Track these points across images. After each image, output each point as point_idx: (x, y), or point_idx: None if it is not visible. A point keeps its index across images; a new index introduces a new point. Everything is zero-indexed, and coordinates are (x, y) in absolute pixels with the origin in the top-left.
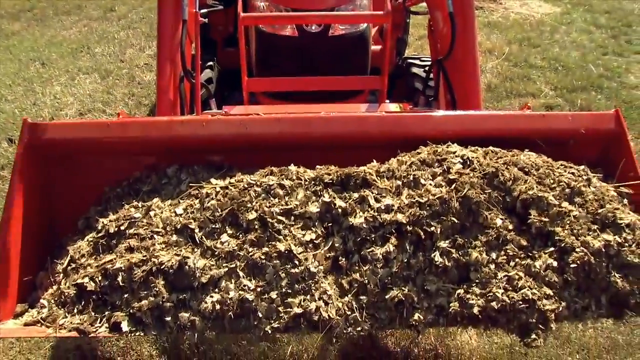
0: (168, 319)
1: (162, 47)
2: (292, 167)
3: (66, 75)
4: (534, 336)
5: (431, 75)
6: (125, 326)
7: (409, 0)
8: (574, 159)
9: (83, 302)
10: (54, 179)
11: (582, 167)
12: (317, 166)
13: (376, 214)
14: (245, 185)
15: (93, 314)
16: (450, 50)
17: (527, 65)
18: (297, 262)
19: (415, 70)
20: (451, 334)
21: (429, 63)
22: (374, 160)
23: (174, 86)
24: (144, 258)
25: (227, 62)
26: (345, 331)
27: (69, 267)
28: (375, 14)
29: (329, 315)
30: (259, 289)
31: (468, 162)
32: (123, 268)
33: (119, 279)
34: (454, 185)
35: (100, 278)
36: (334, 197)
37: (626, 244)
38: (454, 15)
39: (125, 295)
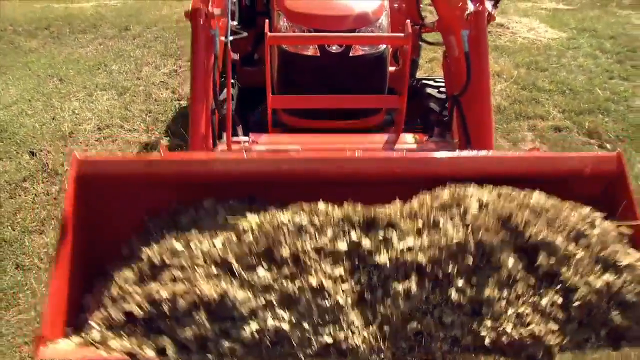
0: (210, 346)
1: (196, 81)
2: (322, 205)
3: (84, 91)
4: None
5: (445, 109)
6: (170, 352)
7: (424, 29)
8: (579, 196)
9: (130, 327)
10: (98, 208)
11: (588, 208)
12: (345, 203)
13: (399, 254)
14: (279, 223)
15: (141, 339)
16: (465, 88)
17: (535, 88)
18: (327, 295)
19: (429, 90)
20: None
21: (442, 84)
22: (397, 197)
23: (206, 118)
24: (187, 289)
25: (245, 80)
26: (369, 358)
27: (115, 293)
28: (397, 36)
29: (355, 344)
30: (293, 320)
31: (483, 205)
32: (167, 297)
33: (164, 307)
34: (470, 228)
35: (147, 306)
36: (361, 236)
37: (625, 284)
38: (469, 55)
39: (170, 323)
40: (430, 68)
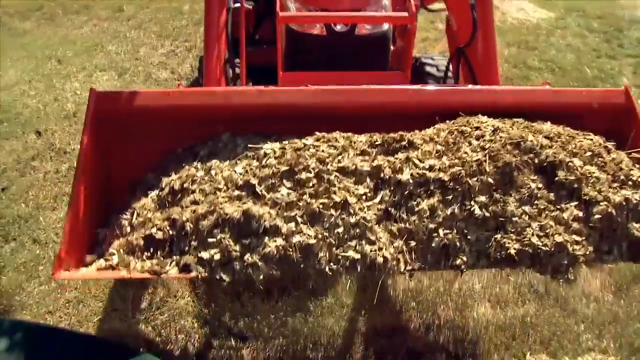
0: (235, 263)
1: (209, 31)
2: (338, 134)
3: (83, 72)
4: (566, 276)
5: (448, 71)
6: (194, 269)
7: (426, 0)
8: (590, 130)
9: (152, 250)
10: (115, 143)
11: (598, 136)
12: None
13: (421, 171)
14: (302, 146)
15: (162, 259)
16: (472, 38)
17: (526, 66)
18: (352, 211)
19: (428, 69)
20: (469, 306)
21: (441, 62)
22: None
23: (220, 66)
24: (210, 210)
25: (248, 61)
26: (398, 270)
27: (135, 221)
28: (402, 15)
29: (383, 257)
30: (319, 235)
31: (498, 130)
32: (190, 219)
33: (187, 228)
34: (487, 149)
35: (168, 228)
36: (383, 157)
37: None
38: (474, 6)
39: (193, 243)
40: (424, 47)
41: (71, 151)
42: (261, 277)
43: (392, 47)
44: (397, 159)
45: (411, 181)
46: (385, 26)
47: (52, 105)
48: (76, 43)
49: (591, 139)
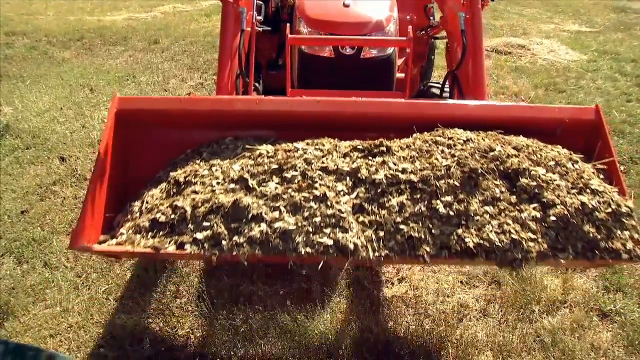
0: (223, 242)
1: (223, 49)
2: (326, 139)
3: None
4: (520, 269)
5: (444, 91)
6: (188, 247)
7: (432, 30)
8: (559, 145)
9: (155, 231)
10: (132, 143)
11: (566, 150)
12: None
13: (394, 172)
14: (292, 148)
15: (163, 238)
16: (461, 61)
17: None
18: (329, 204)
19: (434, 90)
20: (470, 354)
21: (446, 87)
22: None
23: (231, 82)
24: (206, 199)
25: (270, 83)
26: (366, 256)
27: (144, 207)
28: (400, 39)
29: (354, 244)
30: (298, 223)
31: (469, 140)
32: (189, 205)
33: (186, 213)
34: (457, 156)
35: (170, 213)
36: (362, 159)
37: (598, 204)
38: (465, 32)
39: (190, 226)
40: (438, 75)
41: None
42: (245, 256)
43: (401, 75)
44: (374, 161)
45: (384, 181)
46: (390, 50)
47: (79, 132)
48: (110, 73)
49: (557, 151)
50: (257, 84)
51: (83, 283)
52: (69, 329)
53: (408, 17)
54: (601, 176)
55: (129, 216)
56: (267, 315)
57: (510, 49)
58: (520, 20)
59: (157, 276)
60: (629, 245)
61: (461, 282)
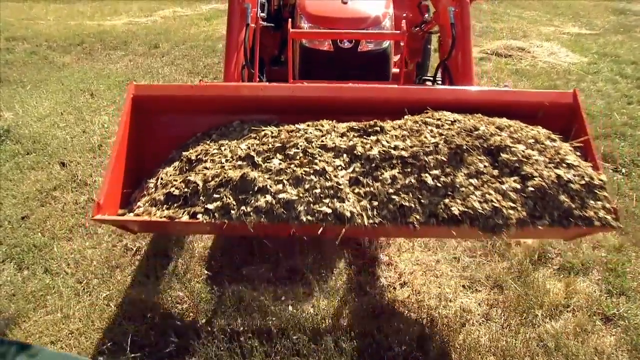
0: (232, 212)
1: (229, 42)
2: (325, 121)
3: (113, 106)
4: (501, 233)
5: (436, 80)
6: (200, 216)
7: (426, 26)
8: (539, 125)
9: (169, 203)
10: (147, 127)
11: (545, 130)
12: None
13: (387, 149)
14: (294, 129)
15: (177, 209)
16: (450, 52)
17: None
18: (328, 177)
19: (428, 84)
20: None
21: (438, 80)
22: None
23: (237, 73)
24: (217, 173)
25: (272, 78)
26: (361, 223)
27: (159, 183)
28: (394, 32)
29: (350, 211)
30: (300, 194)
31: (456, 122)
32: (201, 180)
33: (198, 187)
34: (444, 135)
35: (183, 187)
36: (358, 138)
37: (573, 177)
38: (454, 25)
39: (202, 198)
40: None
41: (92, 183)
42: (252, 223)
43: (396, 70)
44: (369, 140)
45: (378, 156)
46: (385, 44)
47: (80, 137)
48: (110, 77)
49: (537, 131)
50: (261, 77)
51: (84, 289)
52: (69, 335)
53: (404, 14)
54: (578, 153)
55: (145, 192)
56: (268, 320)
57: (511, 52)
58: (520, 23)
59: (158, 282)
60: (601, 213)
61: (463, 286)
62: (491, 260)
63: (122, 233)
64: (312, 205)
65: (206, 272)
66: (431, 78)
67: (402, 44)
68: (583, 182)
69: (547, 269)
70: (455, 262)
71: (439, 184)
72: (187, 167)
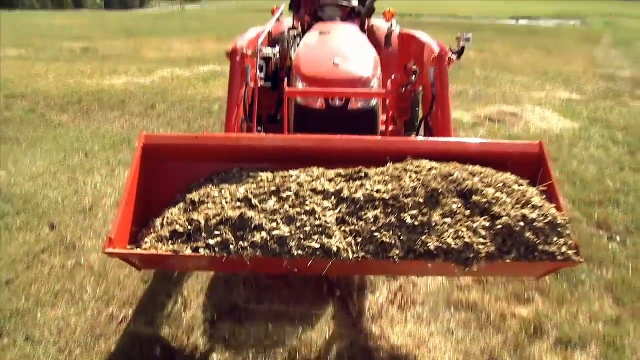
0: (231, 246)
1: (230, 99)
2: (315, 168)
3: (106, 167)
4: (472, 266)
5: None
6: (202, 250)
7: (412, 86)
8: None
9: (174, 239)
10: (155, 172)
11: (513, 175)
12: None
13: (370, 192)
14: (287, 174)
15: (181, 244)
16: (430, 109)
17: None
18: (317, 217)
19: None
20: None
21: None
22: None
23: (237, 126)
24: (217, 212)
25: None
26: (346, 257)
27: (164, 222)
28: (379, 91)
29: (337, 246)
30: (292, 231)
31: (433, 168)
32: (203, 218)
33: (200, 224)
34: (421, 180)
35: (187, 224)
36: (344, 183)
37: (538, 216)
38: (434, 85)
39: (203, 234)
40: None
41: (80, 246)
42: (249, 257)
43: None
44: (354, 184)
45: (362, 198)
46: (373, 102)
47: (71, 198)
48: (105, 137)
49: (506, 176)
50: (259, 129)
51: (66, 359)
52: None
53: (392, 76)
54: (543, 196)
55: (152, 229)
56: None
57: (504, 117)
58: (512, 88)
59: (143, 353)
60: (564, 249)
61: None
62: (486, 333)
63: (109, 300)
64: (302, 240)
65: (192, 343)
66: (414, 132)
67: (387, 101)
68: (546, 220)
69: (543, 343)
70: (449, 334)
71: (416, 223)
72: (190, 208)
